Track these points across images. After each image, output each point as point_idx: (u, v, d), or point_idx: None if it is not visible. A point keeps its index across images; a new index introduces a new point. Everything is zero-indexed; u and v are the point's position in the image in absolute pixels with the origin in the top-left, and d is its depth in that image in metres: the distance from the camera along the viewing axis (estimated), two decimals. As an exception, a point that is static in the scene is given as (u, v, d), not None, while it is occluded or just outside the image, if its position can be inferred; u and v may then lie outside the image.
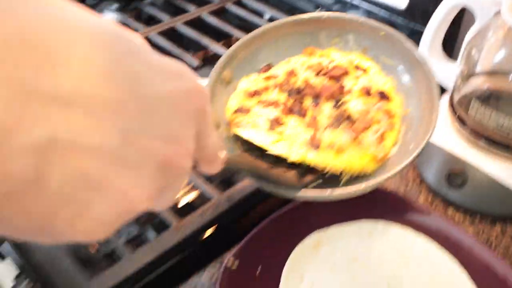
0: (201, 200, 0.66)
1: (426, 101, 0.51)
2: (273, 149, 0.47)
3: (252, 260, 0.55)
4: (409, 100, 0.53)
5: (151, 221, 0.66)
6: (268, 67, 0.58)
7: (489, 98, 0.65)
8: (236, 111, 0.52)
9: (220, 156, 0.34)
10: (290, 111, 0.51)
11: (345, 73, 0.53)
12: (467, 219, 0.63)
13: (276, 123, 0.49)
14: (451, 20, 0.71)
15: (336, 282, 0.54)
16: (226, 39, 0.96)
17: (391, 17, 0.93)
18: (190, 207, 0.67)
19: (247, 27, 0.86)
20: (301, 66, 0.56)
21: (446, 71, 0.71)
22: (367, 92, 0.52)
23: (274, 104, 0.52)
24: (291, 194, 0.47)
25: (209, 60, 0.88)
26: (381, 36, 0.54)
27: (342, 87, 0.52)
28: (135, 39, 0.24)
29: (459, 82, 0.67)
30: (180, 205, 0.69)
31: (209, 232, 0.60)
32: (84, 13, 0.22)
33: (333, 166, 0.47)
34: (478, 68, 0.67)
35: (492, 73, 0.67)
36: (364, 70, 0.55)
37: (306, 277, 0.54)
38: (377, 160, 0.48)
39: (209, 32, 0.94)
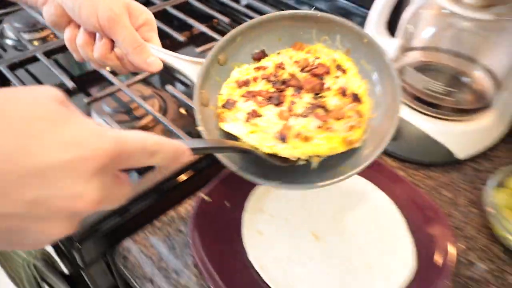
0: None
1: (389, 111, 0.55)
2: (248, 140, 0.51)
3: (222, 196, 0.66)
4: (377, 107, 0.57)
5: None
6: (262, 53, 0.62)
7: (421, 68, 0.78)
8: (223, 106, 0.57)
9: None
10: (268, 99, 0.55)
11: (327, 72, 0.57)
12: (399, 166, 0.77)
13: (252, 115, 0.53)
14: (394, 4, 0.83)
15: (290, 212, 0.66)
16: (209, 22, 1.08)
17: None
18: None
19: (227, 11, 0.99)
20: (289, 59, 0.60)
21: (389, 46, 0.83)
22: (343, 92, 0.56)
23: (258, 94, 0.57)
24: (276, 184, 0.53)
25: (194, 38, 0.99)
26: (364, 43, 0.57)
27: (322, 84, 0.56)
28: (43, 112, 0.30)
29: (398, 54, 0.79)
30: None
31: (186, 174, 0.71)
32: None
33: (301, 154, 0.51)
34: (414, 43, 0.80)
35: (424, 47, 0.80)
36: (344, 71, 0.58)
37: (265, 208, 0.66)
38: (347, 142, 0.52)
39: (194, 15, 1.06)
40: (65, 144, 0.29)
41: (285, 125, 0.52)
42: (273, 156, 0.51)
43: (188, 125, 0.87)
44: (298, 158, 0.52)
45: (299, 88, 0.56)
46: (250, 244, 0.60)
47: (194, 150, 0.40)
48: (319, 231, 0.63)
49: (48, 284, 0.92)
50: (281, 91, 0.57)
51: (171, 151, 0.36)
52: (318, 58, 0.60)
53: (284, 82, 0.57)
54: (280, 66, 0.59)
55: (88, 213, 0.31)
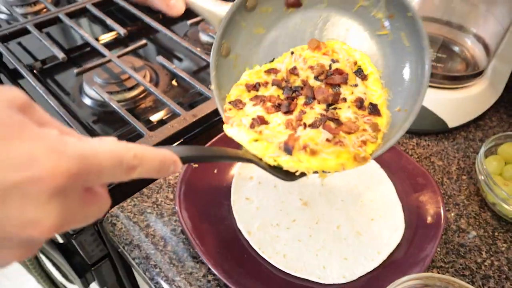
0: (171, 117, 0.77)
1: (408, 105, 0.52)
2: (250, 148, 0.48)
3: (210, 163, 0.65)
4: (397, 95, 0.53)
5: (126, 135, 0.76)
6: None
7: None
8: (231, 102, 0.53)
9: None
10: (277, 107, 0.52)
11: (344, 82, 0.53)
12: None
13: (257, 122, 0.50)
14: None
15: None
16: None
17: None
18: (162, 122, 0.77)
19: None
20: (303, 63, 0.55)
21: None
22: (360, 104, 0.52)
23: (267, 99, 0.53)
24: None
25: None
26: (407, 16, 0.51)
27: (338, 94, 0.53)
28: None
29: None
30: (154, 121, 0.79)
31: (176, 142, 0.71)
32: None
33: (306, 169, 0.47)
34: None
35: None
36: (365, 77, 0.54)
37: (254, 175, 0.65)
38: (358, 158, 0.47)
39: None
40: (15, 162, 0.25)
41: (291, 136, 0.48)
42: (276, 168, 0.48)
43: (179, 96, 0.86)
44: (302, 173, 0.48)
45: (311, 98, 0.53)
46: (238, 210, 0.60)
47: (186, 159, 0.36)
48: (307, 198, 0.62)
49: (44, 254, 0.92)
50: (292, 99, 0.53)
51: (156, 162, 0.32)
52: (336, 61, 0.55)
53: (295, 90, 0.54)
54: (293, 72, 0.55)
55: (48, 238, 0.28)
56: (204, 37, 1.00)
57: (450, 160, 0.72)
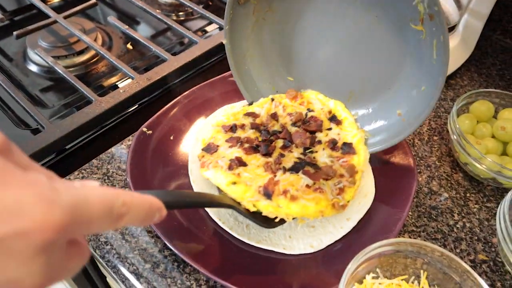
0: (125, 82, 0.71)
1: (411, 117, 0.53)
2: (228, 191, 0.47)
3: (165, 129, 0.60)
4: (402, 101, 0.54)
5: (75, 102, 0.70)
6: None
7: None
8: (204, 149, 0.53)
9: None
10: (254, 150, 0.52)
11: (319, 130, 0.55)
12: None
13: (235, 163, 0.49)
14: None
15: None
16: None
17: None
18: (114, 88, 0.71)
19: None
20: (282, 111, 0.58)
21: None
22: (333, 144, 0.53)
23: (244, 141, 0.53)
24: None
25: None
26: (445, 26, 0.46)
27: (314, 138, 0.54)
28: None
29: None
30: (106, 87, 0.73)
31: (129, 109, 0.65)
32: None
33: (286, 214, 0.46)
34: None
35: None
36: (339, 122, 0.56)
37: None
38: (337, 207, 0.48)
39: None
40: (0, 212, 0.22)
41: (271, 179, 0.47)
42: (256, 214, 0.47)
43: (135, 60, 0.79)
44: (282, 219, 0.47)
45: (289, 142, 0.54)
46: (196, 180, 0.55)
47: (169, 205, 0.33)
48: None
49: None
50: (270, 142, 0.53)
51: (143, 210, 0.29)
52: (312, 110, 0.58)
53: (273, 134, 0.54)
54: (273, 117, 0.57)
55: None
56: (162, -3, 0.93)
57: (421, 120, 0.69)
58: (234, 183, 0.47)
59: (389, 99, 0.56)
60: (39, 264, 0.23)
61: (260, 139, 0.54)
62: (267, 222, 0.48)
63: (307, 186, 0.47)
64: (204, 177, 0.50)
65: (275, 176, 0.48)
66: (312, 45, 0.59)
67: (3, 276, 0.22)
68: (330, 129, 0.56)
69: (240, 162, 0.49)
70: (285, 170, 0.49)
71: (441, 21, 0.45)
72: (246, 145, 0.52)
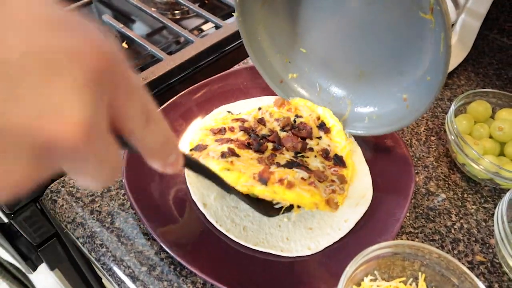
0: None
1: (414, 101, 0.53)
2: (220, 175, 0.45)
3: (176, 117, 0.60)
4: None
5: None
6: None
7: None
8: (192, 149, 0.53)
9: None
10: (247, 146, 0.52)
11: (309, 136, 0.55)
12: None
13: (228, 153, 0.49)
14: None
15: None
16: None
17: None
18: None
19: None
20: (270, 117, 0.58)
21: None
22: (326, 154, 0.54)
23: (234, 140, 0.52)
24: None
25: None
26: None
27: (305, 144, 0.54)
28: None
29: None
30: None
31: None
32: None
33: (282, 199, 0.46)
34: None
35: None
36: (327, 130, 0.57)
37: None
38: (331, 204, 0.49)
39: None
40: (55, 27, 0.19)
41: (266, 168, 0.47)
42: (254, 200, 0.47)
43: (130, 59, 0.79)
44: (280, 208, 0.48)
45: (279, 145, 0.54)
46: (192, 181, 0.55)
47: (188, 162, 0.32)
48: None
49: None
50: (261, 144, 0.53)
51: (165, 134, 0.27)
52: (300, 116, 0.58)
53: (263, 137, 0.54)
54: (260, 122, 0.57)
55: (67, 154, 0.19)
56: (157, -4, 0.92)
57: (418, 120, 0.69)
58: (228, 169, 0.46)
59: (397, 83, 0.56)
60: (87, 99, 0.19)
61: (250, 140, 0.54)
62: (266, 210, 0.48)
63: (302, 179, 0.48)
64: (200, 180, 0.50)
65: (269, 168, 0.48)
66: (325, 21, 0.57)
67: (44, 101, 0.18)
68: (320, 137, 0.56)
69: (233, 153, 0.49)
70: (279, 165, 0.49)
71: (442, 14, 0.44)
72: (239, 142, 0.52)
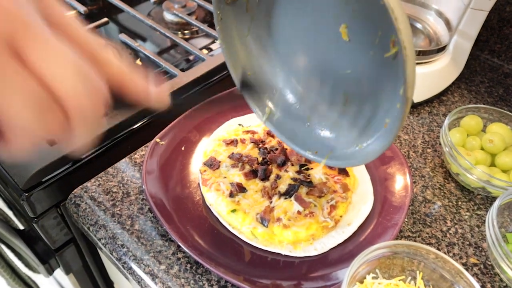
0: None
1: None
2: (228, 219, 0.54)
3: (177, 140, 0.64)
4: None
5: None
6: None
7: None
8: (205, 164, 0.59)
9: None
10: (253, 174, 0.57)
11: None
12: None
13: (236, 189, 0.55)
14: None
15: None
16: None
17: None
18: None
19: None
20: None
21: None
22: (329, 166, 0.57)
23: (245, 161, 0.58)
24: None
25: None
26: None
27: None
28: None
29: None
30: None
31: (139, 123, 0.69)
32: None
33: (279, 243, 0.53)
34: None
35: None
36: None
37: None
38: (328, 228, 0.54)
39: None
40: None
41: (267, 208, 0.54)
42: None
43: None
44: None
45: (284, 158, 0.59)
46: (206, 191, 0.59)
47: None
48: (277, 173, 0.62)
49: (5, 244, 0.88)
50: (268, 164, 0.59)
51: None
52: None
53: (271, 151, 0.60)
54: (269, 134, 0.62)
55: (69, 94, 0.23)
56: (168, 16, 0.97)
57: (415, 134, 0.73)
58: (234, 210, 0.54)
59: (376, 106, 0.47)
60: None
61: (259, 158, 0.59)
62: None
63: (299, 212, 0.54)
64: (204, 197, 0.57)
65: (271, 202, 0.55)
66: (299, 45, 0.51)
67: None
68: None
69: (240, 188, 0.56)
70: (280, 195, 0.55)
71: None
72: (247, 168, 0.58)
